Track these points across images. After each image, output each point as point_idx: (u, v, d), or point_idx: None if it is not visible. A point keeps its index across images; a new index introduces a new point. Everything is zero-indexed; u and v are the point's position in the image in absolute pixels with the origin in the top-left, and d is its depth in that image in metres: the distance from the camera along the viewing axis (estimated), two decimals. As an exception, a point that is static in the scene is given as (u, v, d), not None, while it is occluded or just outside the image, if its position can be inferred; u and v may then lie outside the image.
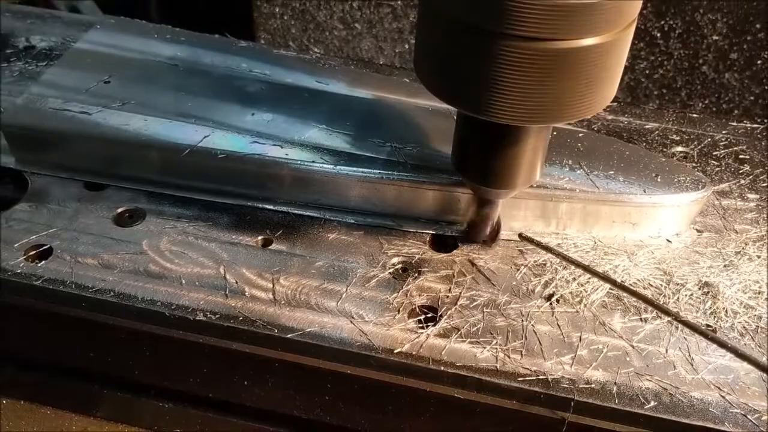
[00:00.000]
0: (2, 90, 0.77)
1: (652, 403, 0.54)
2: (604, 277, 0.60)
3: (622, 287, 0.59)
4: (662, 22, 1.04)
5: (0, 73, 0.78)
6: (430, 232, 0.65)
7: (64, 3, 1.46)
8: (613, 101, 1.16)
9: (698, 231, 0.67)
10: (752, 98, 1.22)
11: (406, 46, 1.28)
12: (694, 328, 0.56)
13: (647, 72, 1.10)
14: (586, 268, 0.60)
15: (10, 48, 0.84)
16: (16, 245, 0.61)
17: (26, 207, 0.65)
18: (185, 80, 0.73)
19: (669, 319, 0.58)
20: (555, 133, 0.69)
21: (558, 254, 0.61)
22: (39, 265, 0.60)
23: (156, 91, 0.71)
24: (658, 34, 1.06)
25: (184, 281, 0.60)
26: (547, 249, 0.61)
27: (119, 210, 0.66)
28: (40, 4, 1.36)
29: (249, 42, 0.82)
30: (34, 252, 0.61)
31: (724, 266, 0.63)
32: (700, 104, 1.11)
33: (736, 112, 1.25)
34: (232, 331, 0.57)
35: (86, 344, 0.60)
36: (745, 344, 0.58)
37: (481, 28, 0.45)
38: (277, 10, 1.14)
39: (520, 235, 0.63)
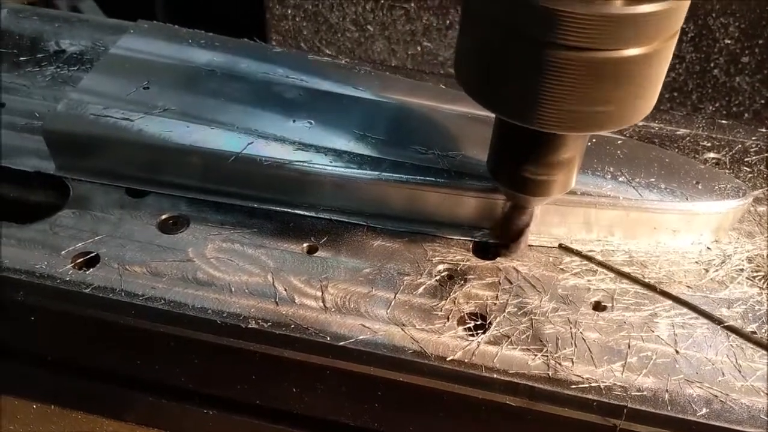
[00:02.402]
0: (37, 95, 0.77)
1: (704, 410, 0.54)
2: (646, 284, 0.60)
3: (663, 293, 0.59)
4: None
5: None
6: (473, 239, 0.66)
7: (66, 2, 1.46)
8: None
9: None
10: (763, 101, 1.23)
11: (419, 48, 1.28)
12: (739, 333, 0.56)
13: (658, 74, 1.11)
14: (628, 276, 0.61)
15: (41, 52, 0.84)
16: (63, 252, 0.61)
17: (70, 214, 0.65)
18: (223, 86, 0.73)
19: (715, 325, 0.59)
20: (594, 140, 0.70)
21: (599, 263, 0.62)
22: (87, 272, 0.60)
23: (195, 97, 0.71)
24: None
25: (233, 288, 0.60)
26: (588, 258, 0.61)
27: (163, 217, 0.66)
28: (41, 5, 1.36)
29: (283, 48, 0.82)
30: (81, 259, 0.61)
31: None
32: (711, 107, 1.12)
33: (746, 115, 1.26)
34: (285, 339, 0.57)
35: (136, 352, 0.60)
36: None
37: (529, 36, 0.45)
38: (289, 11, 1.14)
39: (559, 246, 0.63)
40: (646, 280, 0.62)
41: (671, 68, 1.12)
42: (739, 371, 0.57)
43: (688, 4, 0.48)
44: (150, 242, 0.63)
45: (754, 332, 0.60)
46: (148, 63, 0.76)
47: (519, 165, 0.56)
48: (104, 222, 0.65)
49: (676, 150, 0.77)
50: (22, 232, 0.63)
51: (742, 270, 0.65)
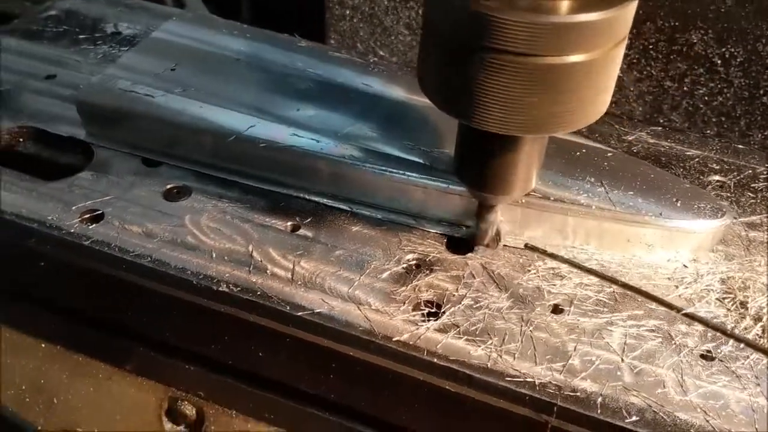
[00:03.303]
0: (86, 70, 0.86)
1: (634, 418, 0.55)
2: (609, 278, 0.62)
3: (626, 286, 0.60)
4: (723, 49, 1.04)
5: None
6: (444, 233, 0.69)
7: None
8: (668, 126, 1.15)
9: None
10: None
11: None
12: (700, 320, 0.57)
13: (706, 98, 1.09)
14: (590, 271, 0.62)
15: (99, 32, 0.93)
16: (73, 208, 0.69)
17: (88, 175, 0.73)
18: (244, 73, 0.79)
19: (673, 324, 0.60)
20: (583, 150, 0.72)
21: (562, 260, 0.63)
22: (90, 227, 0.67)
23: (216, 80, 0.77)
24: (719, 61, 1.05)
25: (214, 254, 0.65)
26: (553, 256, 0.63)
27: (169, 186, 0.72)
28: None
29: (309, 42, 0.87)
30: (88, 215, 0.68)
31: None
32: (760, 135, 1.09)
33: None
34: (250, 304, 0.62)
35: (122, 302, 0.67)
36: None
37: (469, 40, 0.48)
38: (348, 12, 1.19)
39: (525, 245, 0.65)
40: (608, 275, 0.63)
41: (718, 92, 1.10)
42: (682, 386, 0.57)
43: (630, 12, 0.49)
44: (152, 207, 0.70)
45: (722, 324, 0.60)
46: (182, 47, 0.83)
47: (477, 165, 0.59)
48: (117, 185, 0.72)
49: (681, 170, 0.77)
50: (44, 187, 0.71)
51: (711, 290, 0.65)
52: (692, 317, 0.57)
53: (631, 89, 1.15)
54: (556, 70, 0.48)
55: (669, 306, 0.58)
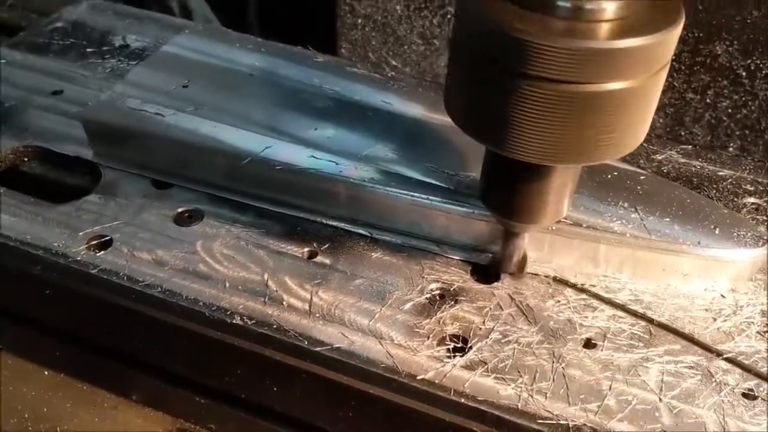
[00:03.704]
0: (94, 85, 0.83)
1: (675, 464, 0.52)
2: (641, 316, 0.58)
3: (660, 325, 0.57)
4: (748, 61, 1.00)
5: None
6: (469, 260, 0.65)
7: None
8: (691, 139, 1.12)
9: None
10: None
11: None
12: (739, 364, 0.54)
13: (729, 111, 1.06)
14: (621, 307, 0.59)
15: (107, 45, 0.90)
16: (80, 234, 0.65)
17: (96, 198, 0.69)
18: (259, 90, 0.76)
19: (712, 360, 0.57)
20: (615, 173, 0.68)
21: (593, 295, 0.60)
22: (98, 255, 0.64)
23: (229, 98, 0.74)
24: (744, 73, 1.02)
25: (227, 284, 0.62)
26: (581, 290, 0.60)
27: (180, 209, 0.69)
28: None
29: (327, 56, 0.84)
30: (96, 242, 0.65)
31: None
32: (784, 149, 1.06)
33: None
34: (265, 338, 0.59)
35: (130, 332, 0.64)
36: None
37: (503, 66, 0.45)
38: (360, 21, 1.16)
39: (554, 279, 0.62)
40: (641, 312, 0.60)
41: (743, 105, 1.07)
42: (724, 428, 0.54)
43: (674, 37, 0.46)
44: (162, 232, 0.67)
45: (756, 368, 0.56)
46: (194, 62, 0.80)
47: (506, 192, 0.56)
48: (125, 209, 0.69)
49: (714, 192, 0.74)
50: (49, 211, 0.68)
51: (752, 323, 0.61)
52: (733, 362, 0.54)
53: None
54: (594, 98, 0.45)
55: (708, 349, 0.54)
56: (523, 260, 0.64)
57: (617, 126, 0.47)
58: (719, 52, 1.06)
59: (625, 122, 0.47)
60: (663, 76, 0.47)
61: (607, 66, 0.44)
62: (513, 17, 0.44)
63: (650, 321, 0.57)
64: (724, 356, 0.54)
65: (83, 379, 0.69)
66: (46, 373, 0.70)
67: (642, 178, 0.68)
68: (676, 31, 0.45)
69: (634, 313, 0.59)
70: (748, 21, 1.01)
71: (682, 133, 1.15)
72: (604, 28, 0.43)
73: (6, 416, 0.75)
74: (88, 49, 0.89)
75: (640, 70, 0.45)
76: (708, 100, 1.11)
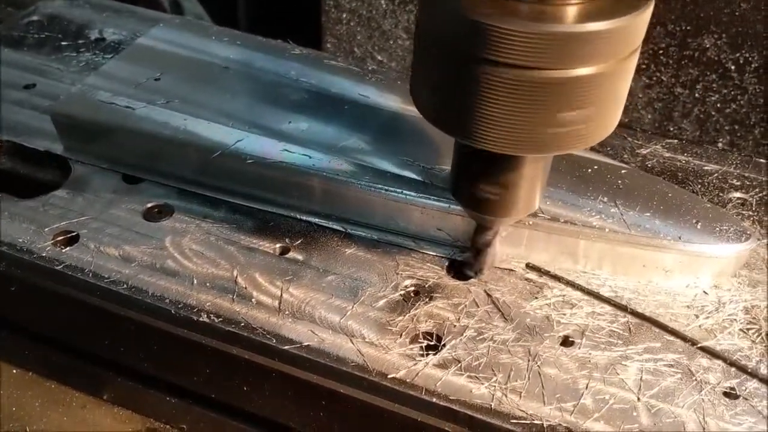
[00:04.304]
0: (67, 79, 0.81)
1: (652, 465, 0.50)
2: (616, 305, 0.57)
3: (636, 314, 0.56)
4: (737, 55, 0.98)
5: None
6: (444, 255, 0.64)
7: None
8: (680, 134, 1.10)
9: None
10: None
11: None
12: (717, 355, 0.52)
13: (718, 106, 1.04)
14: (596, 296, 0.58)
15: (83, 39, 0.88)
16: (46, 230, 0.64)
17: (64, 194, 0.68)
18: (233, 83, 0.74)
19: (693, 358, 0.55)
20: (595, 167, 0.67)
21: (567, 282, 0.59)
22: (64, 251, 0.62)
23: (202, 91, 0.73)
24: (733, 67, 1.00)
25: (195, 281, 0.60)
26: (554, 277, 0.58)
27: (149, 205, 0.67)
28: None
29: (305, 49, 0.82)
30: (62, 237, 0.63)
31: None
32: (775, 143, 1.04)
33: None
34: (233, 336, 0.57)
35: (97, 330, 0.62)
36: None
37: (466, 52, 0.43)
38: (344, 15, 1.15)
39: (527, 265, 0.60)
40: (617, 301, 0.58)
41: (732, 99, 1.05)
42: (704, 428, 0.52)
43: (643, 20, 0.44)
44: (130, 228, 0.65)
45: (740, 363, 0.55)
46: (168, 55, 0.78)
47: (475, 184, 0.54)
48: (94, 204, 0.67)
49: (700, 187, 0.72)
50: (16, 207, 0.66)
51: (735, 320, 0.60)
52: (710, 352, 0.52)
53: (640, 96, 1.10)
54: (561, 85, 0.43)
55: (684, 338, 0.53)
56: (490, 255, 0.62)
57: (585, 114, 0.45)
58: (708, 46, 1.04)
59: (594, 110, 0.45)
60: (633, 61, 0.46)
61: (573, 51, 0.42)
62: (476, 1, 0.42)
63: (625, 309, 0.55)
64: (699, 345, 0.52)
65: (52, 377, 0.67)
66: (14, 371, 0.68)
67: (623, 172, 0.66)
68: (646, 14, 0.44)
69: (605, 300, 0.57)
70: (737, 14, 1.00)
71: (671, 129, 1.13)
72: (571, 12, 0.41)
73: (-26, 416, 0.73)
74: (63, 43, 0.87)
75: (609, 54, 0.43)
76: (697, 95, 1.09)
